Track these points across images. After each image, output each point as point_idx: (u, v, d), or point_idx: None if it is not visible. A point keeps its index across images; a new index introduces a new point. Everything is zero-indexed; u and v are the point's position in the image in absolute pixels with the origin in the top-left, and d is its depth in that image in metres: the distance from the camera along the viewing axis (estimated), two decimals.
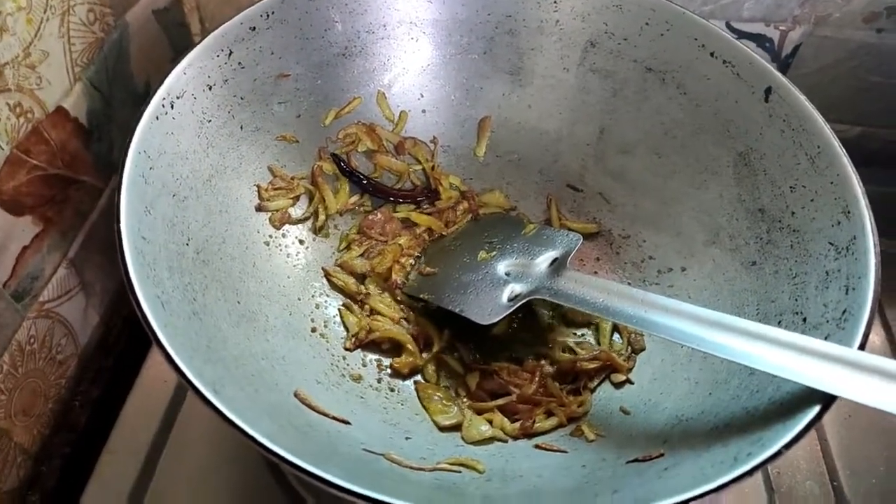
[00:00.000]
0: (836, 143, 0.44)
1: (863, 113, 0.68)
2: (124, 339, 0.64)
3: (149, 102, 0.43)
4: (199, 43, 0.47)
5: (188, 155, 0.46)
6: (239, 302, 0.45)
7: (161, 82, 0.45)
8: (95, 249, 0.58)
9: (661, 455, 0.38)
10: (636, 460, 0.39)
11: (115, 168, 0.60)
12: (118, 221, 0.38)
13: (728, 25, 0.65)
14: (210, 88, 0.48)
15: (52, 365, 0.55)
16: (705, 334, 0.40)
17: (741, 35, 0.65)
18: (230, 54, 0.49)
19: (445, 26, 0.57)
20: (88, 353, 0.59)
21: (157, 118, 0.44)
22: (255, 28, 0.50)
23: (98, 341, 0.61)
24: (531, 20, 0.57)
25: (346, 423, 0.42)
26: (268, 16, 0.50)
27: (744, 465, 0.32)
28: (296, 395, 0.42)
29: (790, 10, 0.63)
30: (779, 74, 0.48)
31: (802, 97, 0.47)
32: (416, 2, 0.56)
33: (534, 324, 0.52)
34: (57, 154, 0.52)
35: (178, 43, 0.70)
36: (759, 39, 0.65)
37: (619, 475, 0.39)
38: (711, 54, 0.51)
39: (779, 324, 0.43)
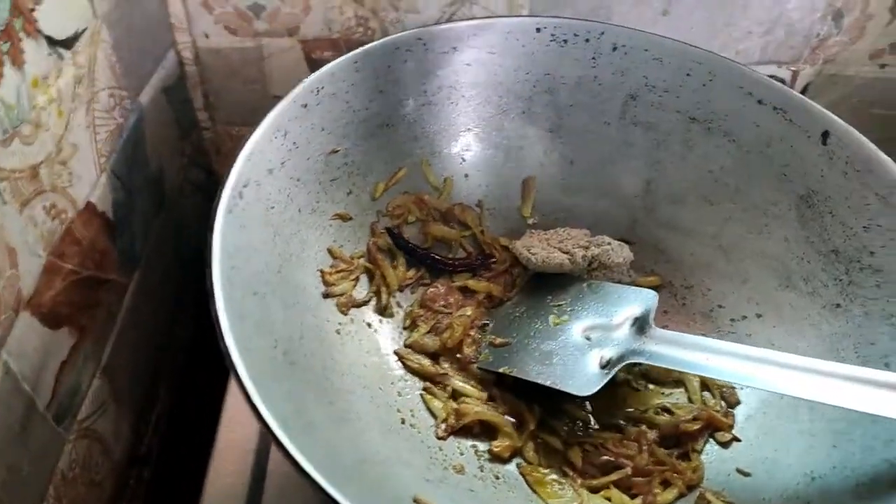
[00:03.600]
0: None
1: None
2: (155, 448, 0.58)
3: (220, 197, 0.40)
4: (261, 123, 0.44)
5: (259, 247, 0.42)
6: (330, 402, 0.41)
7: (228, 172, 0.41)
8: (123, 354, 0.53)
9: None
10: None
11: (137, 262, 0.56)
12: (222, 339, 0.34)
13: None
14: (270, 172, 0.44)
15: (91, 489, 0.49)
16: (827, 386, 0.39)
17: None
18: (286, 134, 0.46)
19: (484, 88, 0.56)
20: (121, 468, 0.54)
21: (231, 211, 0.40)
22: (306, 105, 0.47)
23: (129, 454, 0.55)
24: (569, 77, 0.56)
25: None
26: (318, 91, 0.48)
27: None
28: (415, 501, 0.38)
29: (800, 51, 0.65)
30: (835, 117, 0.49)
31: (864, 138, 0.48)
32: (455, 66, 0.55)
33: (617, 387, 0.50)
34: (87, 254, 0.48)
35: (183, 120, 0.65)
36: None
37: None
38: (759, 101, 0.52)
39: (886, 367, 0.43)
